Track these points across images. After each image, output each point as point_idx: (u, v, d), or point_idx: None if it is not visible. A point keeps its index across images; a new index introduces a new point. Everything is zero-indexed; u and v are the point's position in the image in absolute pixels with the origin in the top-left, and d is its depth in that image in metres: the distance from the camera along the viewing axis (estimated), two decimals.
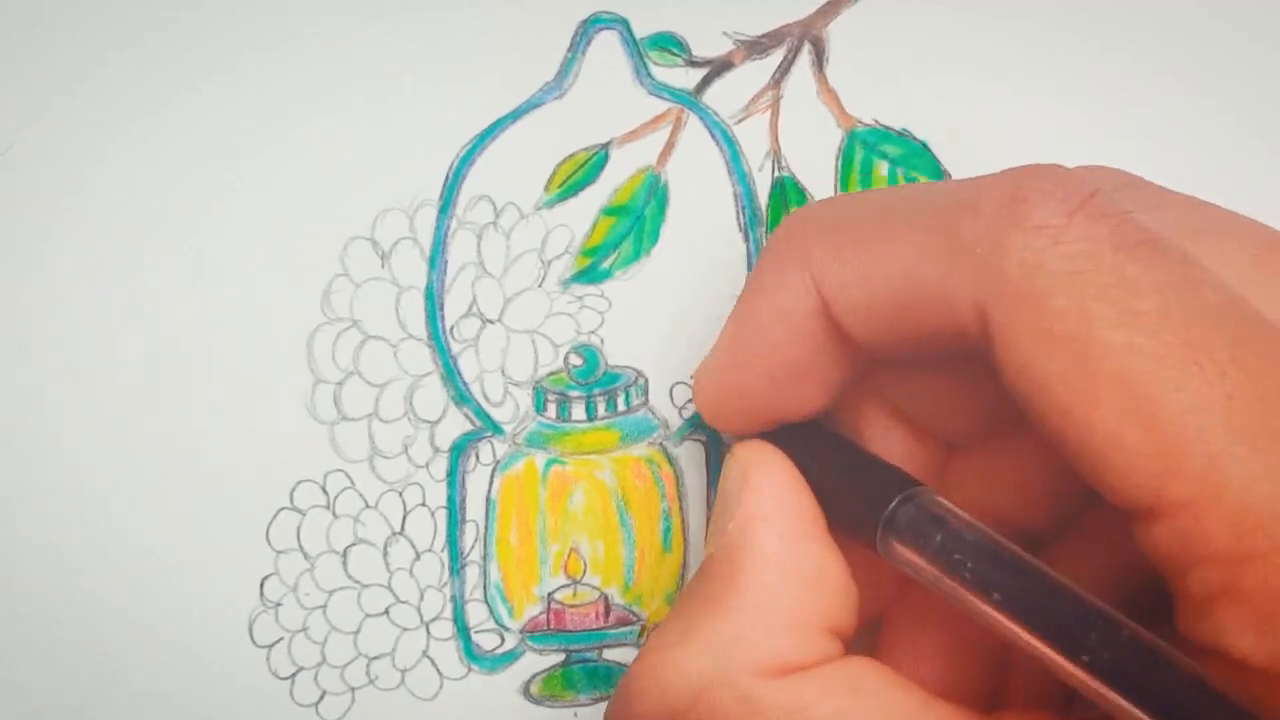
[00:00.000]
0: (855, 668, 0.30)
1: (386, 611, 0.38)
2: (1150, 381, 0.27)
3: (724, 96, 0.38)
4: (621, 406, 0.38)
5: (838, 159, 0.38)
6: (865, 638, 0.33)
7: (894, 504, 0.31)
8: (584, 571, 0.38)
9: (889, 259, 0.31)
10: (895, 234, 0.31)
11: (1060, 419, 0.28)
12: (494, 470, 0.38)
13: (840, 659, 0.31)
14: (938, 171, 0.38)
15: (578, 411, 0.38)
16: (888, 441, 0.34)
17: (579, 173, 0.37)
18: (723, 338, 0.34)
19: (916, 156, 0.38)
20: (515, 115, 0.37)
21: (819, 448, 0.33)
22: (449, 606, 0.38)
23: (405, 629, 0.38)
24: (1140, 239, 0.28)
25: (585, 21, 0.37)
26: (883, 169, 0.38)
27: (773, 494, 0.32)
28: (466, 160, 0.37)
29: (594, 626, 0.38)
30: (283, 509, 0.37)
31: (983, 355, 0.30)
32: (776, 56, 0.38)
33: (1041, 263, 0.28)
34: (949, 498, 0.32)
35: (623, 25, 0.37)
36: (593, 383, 0.38)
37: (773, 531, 0.31)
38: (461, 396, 0.37)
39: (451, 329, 0.37)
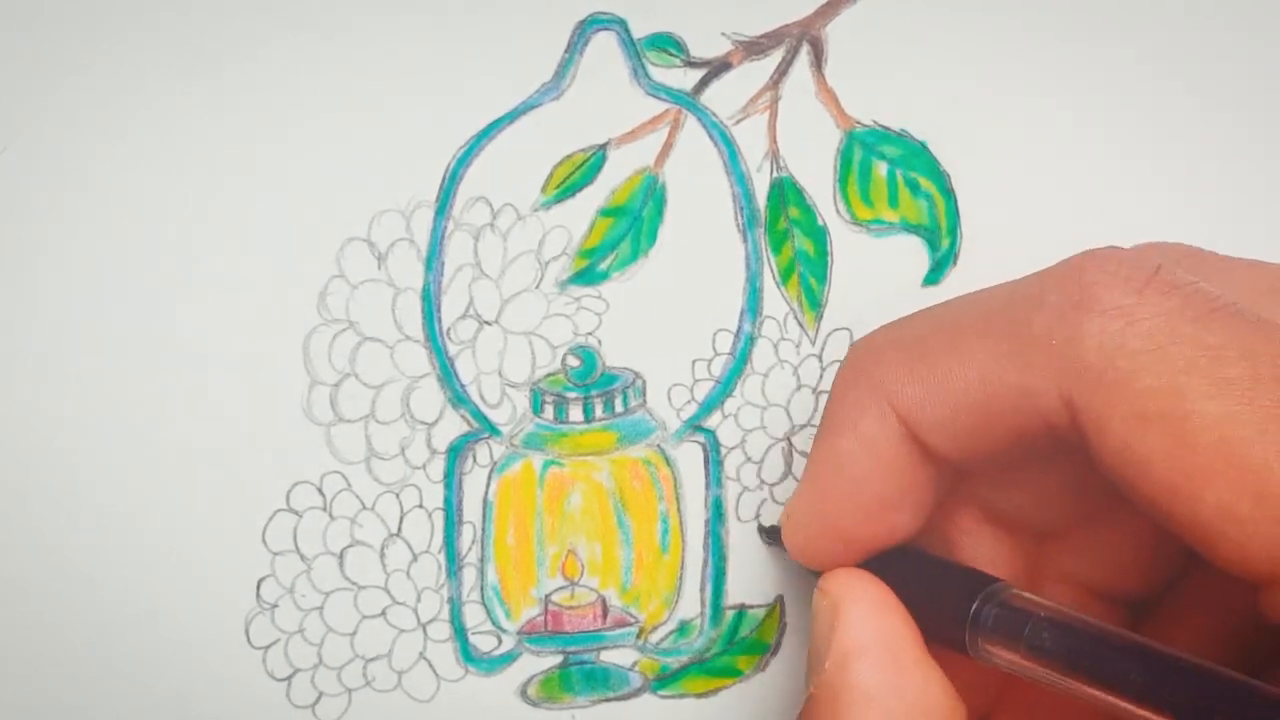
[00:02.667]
0: None
1: (383, 613, 0.38)
2: (1254, 449, 0.27)
3: (722, 97, 0.37)
4: (619, 408, 0.38)
5: (836, 159, 0.38)
6: None
7: (975, 605, 0.31)
8: (581, 573, 0.38)
9: (963, 368, 0.31)
10: (965, 343, 0.31)
11: (1167, 498, 0.28)
12: (491, 472, 0.38)
13: None
14: (937, 171, 0.38)
15: (575, 413, 0.37)
16: (979, 541, 0.34)
17: (576, 174, 0.37)
18: (806, 480, 0.34)
19: (915, 157, 0.38)
20: (512, 116, 0.37)
21: (900, 564, 0.33)
22: (446, 608, 0.38)
23: (402, 630, 0.38)
24: (1213, 307, 0.28)
25: (582, 22, 0.37)
26: (881, 169, 0.38)
27: (866, 625, 0.32)
28: (463, 161, 0.37)
29: (591, 628, 0.38)
30: (279, 510, 0.37)
31: (1073, 445, 0.30)
32: (775, 57, 0.37)
33: (1121, 344, 0.28)
34: (1045, 580, 0.32)
35: (620, 26, 0.37)
36: (590, 384, 0.38)
37: (871, 667, 0.31)
38: (458, 398, 0.37)
39: (448, 330, 0.37)
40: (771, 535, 0.38)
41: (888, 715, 0.31)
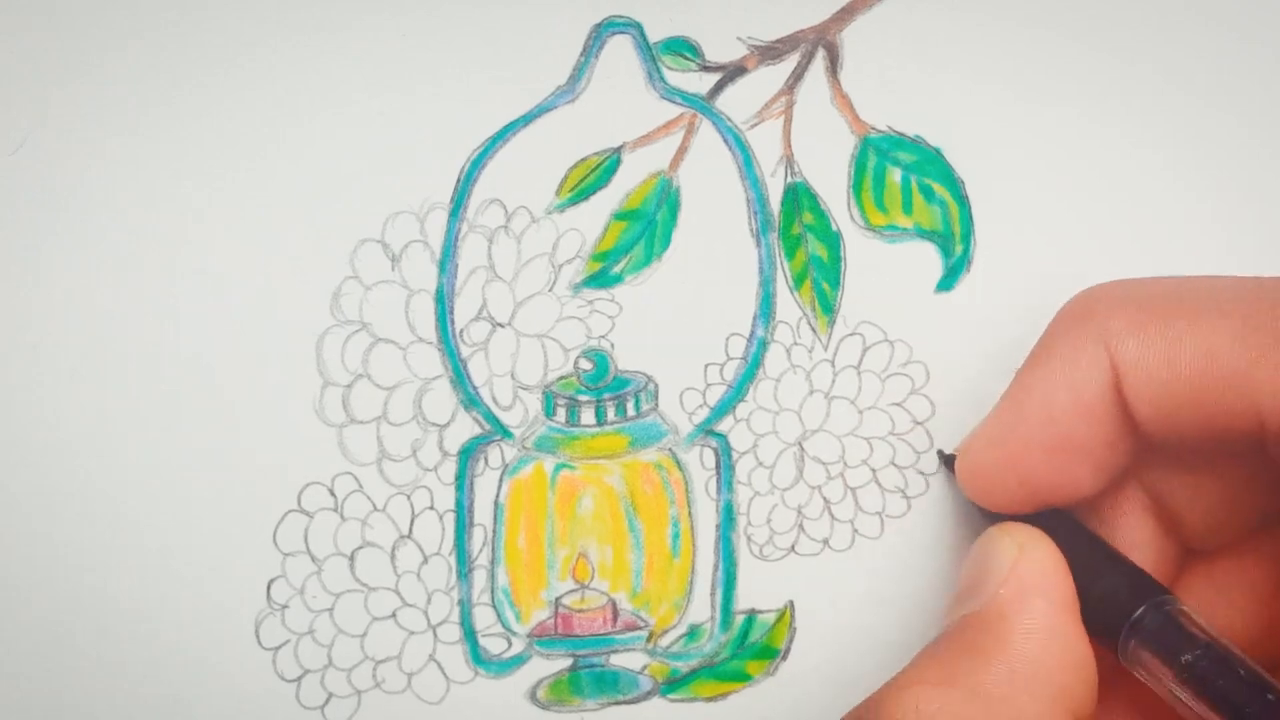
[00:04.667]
0: None
1: (394, 615, 0.38)
2: None
3: (737, 102, 0.37)
4: (631, 411, 0.38)
5: (850, 165, 0.38)
6: None
7: (1142, 609, 0.31)
8: (592, 576, 0.38)
9: (1195, 340, 0.30)
10: (1203, 316, 0.31)
11: None
12: (502, 474, 0.38)
13: None
14: (951, 178, 0.38)
15: (587, 416, 0.37)
16: (1136, 531, 0.34)
17: (591, 177, 0.37)
18: (1000, 409, 0.33)
19: (929, 164, 0.38)
20: (527, 119, 0.37)
21: (1068, 538, 0.33)
22: (456, 610, 0.38)
23: (412, 632, 0.38)
24: None
25: (598, 25, 0.37)
26: (896, 176, 0.38)
27: (1045, 571, 0.32)
28: (478, 164, 0.37)
29: (601, 631, 0.38)
30: (290, 511, 0.37)
31: (1272, 457, 0.30)
32: (790, 62, 0.37)
33: None
34: (1178, 594, 0.32)
35: (636, 29, 0.37)
36: (602, 387, 0.38)
37: (1046, 605, 0.31)
38: (471, 400, 0.37)
39: (461, 332, 0.37)
40: (949, 462, 0.37)
41: (1051, 653, 0.30)
